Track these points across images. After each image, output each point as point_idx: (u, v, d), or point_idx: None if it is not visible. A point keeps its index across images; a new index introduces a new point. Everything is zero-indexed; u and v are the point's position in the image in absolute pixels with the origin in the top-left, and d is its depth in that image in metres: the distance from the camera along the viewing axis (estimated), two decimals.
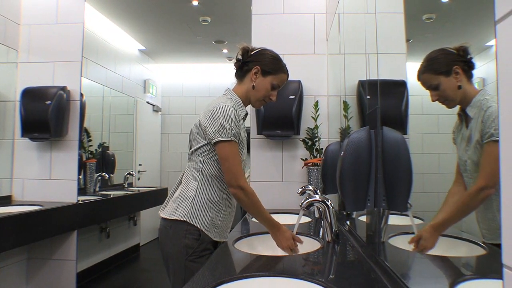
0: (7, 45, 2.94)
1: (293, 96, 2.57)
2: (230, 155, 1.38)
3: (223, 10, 3.84)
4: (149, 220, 5.03)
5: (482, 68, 0.68)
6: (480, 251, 0.70)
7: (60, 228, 2.83)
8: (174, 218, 1.43)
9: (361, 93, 1.58)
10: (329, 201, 1.50)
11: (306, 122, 2.63)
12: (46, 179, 2.97)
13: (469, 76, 0.73)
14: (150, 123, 5.43)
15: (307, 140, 2.58)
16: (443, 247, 0.82)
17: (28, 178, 2.98)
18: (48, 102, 2.83)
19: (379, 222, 1.13)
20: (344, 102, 1.93)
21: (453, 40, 0.78)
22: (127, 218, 4.51)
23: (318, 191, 2.10)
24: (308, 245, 1.54)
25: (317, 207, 2.02)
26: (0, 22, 2.87)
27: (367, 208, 1.20)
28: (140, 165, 5.04)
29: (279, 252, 1.52)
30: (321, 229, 1.70)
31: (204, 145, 1.45)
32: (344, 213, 1.90)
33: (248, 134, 2.30)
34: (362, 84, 1.56)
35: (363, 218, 1.40)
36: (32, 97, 2.91)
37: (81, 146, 3.41)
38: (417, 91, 0.99)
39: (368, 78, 1.37)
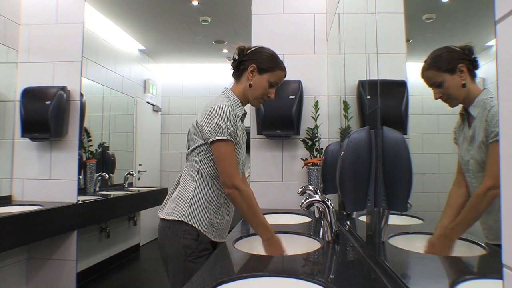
0: (7, 45, 2.94)
1: (293, 96, 2.57)
2: (226, 154, 1.38)
3: (223, 10, 3.84)
4: (149, 220, 5.03)
5: (482, 68, 0.68)
6: (480, 251, 0.70)
7: (60, 228, 2.83)
8: (172, 218, 1.43)
9: (361, 93, 1.58)
10: (329, 201, 1.50)
11: (306, 122, 2.63)
12: (46, 179, 2.97)
13: (473, 76, 0.72)
14: (150, 123, 5.43)
15: (307, 140, 2.58)
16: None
17: (28, 178, 2.98)
18: (48, 102, 2.83)
19: (379, 222, 1.13)
20: (344, 102, 1.93)
21: (453, 40, 0.78)
22: (127, 218, 4.51)
23: (318, 191, 2.11)
24: (308, 245, 1.54)
25: (317, 207, 2.02)
26: (0, 22, 2.87)
27: (367, 208, 1.20)
28: (140, 165, 5.04)
29: None
30: (321, 229, 1.70)
31: (201, 145, 1.44)
32: (344, 213, 1.90)
33: (248, 134, 2.30)
34: (362, 84, 1.56)
35: (363, 218, 1.40)
36: (32, 97, 2.91)
37: (81, 146, 3.41)
38: (417, 91, 0.99)
39: (368, 78, 1.37)
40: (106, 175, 4.01)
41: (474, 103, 0.73)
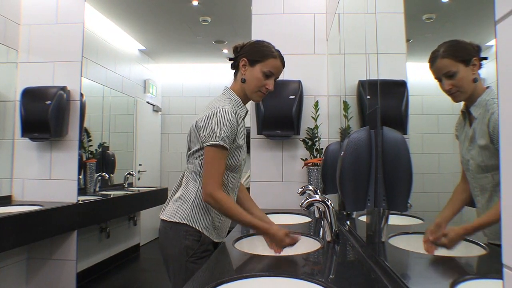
0: (7, 45, 2.94)
1: (293, 96, 2.57)
2: (213, 159, 1.35)
3: (223, 10, 3.84)
4: (149, 220, 5.03)
5: (482, 68, 0.68)
6: (480, 251, 0.70)
7: (60, 228, 2.83)
8: (174, 220, 1.42)
9: (361, 93, 1.58)
10: (329, 201, 1.50)
11: (306, 122, 2.63)
12: (46, 179, 2.97)
13: (478, 74, 0.72)
14: (150, 123, 5.43)
15: (307, 140, 2.58)
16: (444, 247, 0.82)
17: (28, 178, 2.98)
18: (48, 102, 2.83)
19: (379, 222, 1.13)
20: (344, 102, 1.93)
21: None
22: (127, 218, 4.51)
23: (318, 191, 2.10)
24: (308, 245, 1.54)
25: (317, 207, 2.02)
26: (0, 22, 2.87)
27: (367, 208, 1.20)
28: (140, 165, 5.04)
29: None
30: (321, 229, 1.70)
31: (200, 148, 1.43)
32: (344, 213, 1.90)
33: (248, 134, 2.30)
34: (362, 84, 1.56)
35: (363, 218, 1.40)
36: (32, 97, 2.91)
37: (81, 146, 3.41)
38: (417, 91, 0.99)
39: (368, 78, 1.37)
40: (106, 175, 4.01)
41: (476, 102, 0.73)
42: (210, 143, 1.34)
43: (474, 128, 0.73)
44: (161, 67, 5.90)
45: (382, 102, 1.17)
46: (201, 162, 1.43)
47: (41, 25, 3.04)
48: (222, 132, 1.34)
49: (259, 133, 2.63)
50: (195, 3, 3.65)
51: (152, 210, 4.66)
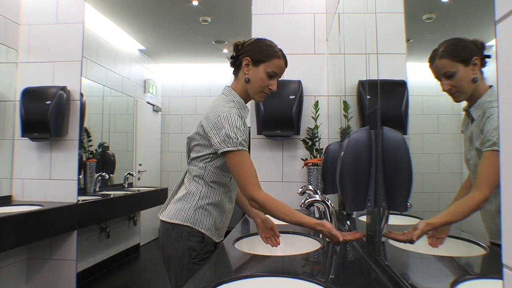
0: (7, 45, 2.94)
1: (293, 96, 2.57)
2: (238, 165, 1.30)
3: (223, 10, 3.84)
4: (149, 220, 5.03)
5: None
6: (480, 251, 0.70)
7: (60, 228, 2.83)
8: (176, 222, 1.39)
9: (361, 93, 1.58)
10: (329, 201, 1.50)
11: (306, 122, 2.63)
12: (46, 179, 2.97)
13: (481, 73, 0.70)
14: (150, 123, 5.44)
15: (307, 140, 2.58)
16: (443, 247, 0.82)
17: (28, 178, 2.98)
18: (48, 102, 2.83)
19: (379, 222, 1.13)
20: (344, 102, 1.93)
21: None
22: (127, 218, 4.51)
23: (318, 191, 2.10)
24: (308, 245, 1.54)
25: (317, 207, 2.02)
26: (0, 22, 2.87)
27: (367, 208, 1.20)
28: (140, 165, 5.04)
29: (279, 252, 1.52)
30: None
31: (208, 153, 1.40)
32: (344, 213, 1.90)
33: (248, 134, 2.30)
34: (362, 84, 1.56)
35: (363, 218, 1.40)
36: (32, 97, 2.91)
37: (81, 146, 3.41)
38: (417, 91, 1.00)
39: (368, 78, 1.37)
40: (106, 175, 4.01)
41: (476, 104, 0.72)
42: (228, 148, 1.29)
43: (472, 130, 0.73)
44: (161, 67, 5.90)
45: (382, 102, 1.17)
46: (206, 165, 1.41)
47: (41, 25, 3.04)
48: (238, 137, 1.30)
49: (259, 133, 2.63)
50: (195, 3, 3.65)
51: (152, 210, 4.66)
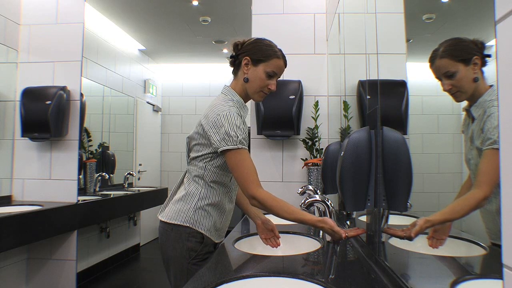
0: (7, 45, 2.94)
1: (293, 96, 2.57)
2: (237, 164, 1.30)
3: (223, 10, 3.84)
4: (149, 220, 5.03)
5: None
6: (480, 251, 0.70)
7: (60, 228, 2.83)
8: (176, 222, 1.39)
9: (361, 93, 1.58)
10: (329, 201, 1.50)
11: (306, 122, 2.63)
12: (46, 179, 2.97)
13: (482, 72, 0.71)
14: (150, 123, 5.44)
15: (307, 140, 2.58)
16: (444, 247, 0.82)
17: (28, 178, 2.99)
18: (48, 102, 2.83)
19: (379, 222, 1.13)
20: (344, 102, 1.93)
21: None
22: (127, 218, 4.51)
23: (318, 191, 2.10)
24: (308, 245, 1.54)
25: (317, 207, 2.02)
26: (0, 22, 2.87)
27: (367, 208, 1.20)
28: (140, 165, 5.04)
29: (279, 252, 1.52)
30: None
31: (207, 152, 1.39)
32: (344, 213, 1.90)
33: (248, 134, 2.30)
34: (362, 84, 1.56)
35: (363, 218, 1.40)
36: (32, 97, 2.91)
37: (81, 146, 3.41)
38: (417, 91, 1.00)
39: (368, 78, 1.37)
40: (106, 175, 4.01)
41: (476, 103, 0.72)
42: (228, 147, 1.29)
43: (473, 129, 0.73)
44: (161, 67, 5.90)
45: (382, 102, 1.17)
46: (206, 165, 1.40)
47: (41, 25, 3.04)
48: (238, 136, 1.30)
49: (259, 133, 2.63)
50: (195, 3, 3.65)
51: (152, 210, 4.67)
